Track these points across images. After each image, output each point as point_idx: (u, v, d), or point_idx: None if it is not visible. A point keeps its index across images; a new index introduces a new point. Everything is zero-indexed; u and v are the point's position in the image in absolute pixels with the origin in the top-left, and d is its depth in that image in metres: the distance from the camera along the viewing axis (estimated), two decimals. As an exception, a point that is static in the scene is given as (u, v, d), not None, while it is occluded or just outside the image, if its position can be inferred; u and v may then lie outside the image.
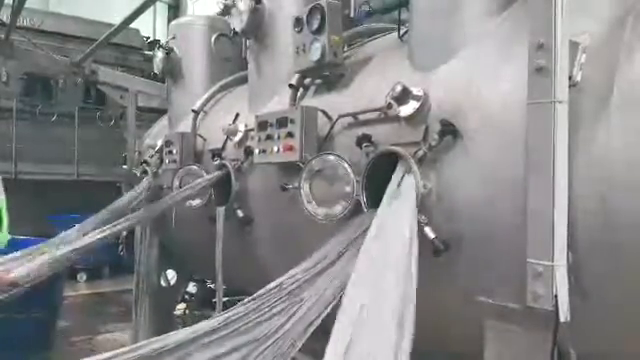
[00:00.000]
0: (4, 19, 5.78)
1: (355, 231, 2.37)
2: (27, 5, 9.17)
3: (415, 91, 2.27)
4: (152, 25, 14.07)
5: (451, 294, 2.11)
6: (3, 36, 5.73)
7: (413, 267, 1.91)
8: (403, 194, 2.14)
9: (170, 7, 15.90)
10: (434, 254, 2.06)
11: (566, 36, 1.65)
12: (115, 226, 3.78)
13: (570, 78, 1.70)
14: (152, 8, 16.03)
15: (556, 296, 1.61)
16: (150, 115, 6.88)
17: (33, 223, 7.40)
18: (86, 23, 9.42)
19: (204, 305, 5.34)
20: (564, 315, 1.61)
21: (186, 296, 5.44)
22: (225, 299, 4.84)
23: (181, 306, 5.42)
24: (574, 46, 1.73)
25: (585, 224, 1.65)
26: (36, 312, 4.32)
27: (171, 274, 5.35)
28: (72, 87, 9.42)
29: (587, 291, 1.67)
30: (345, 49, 3.28)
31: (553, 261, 1.61)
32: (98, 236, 3.70)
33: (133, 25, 10.17)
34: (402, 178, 2.21)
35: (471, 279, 2.03)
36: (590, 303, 1.67)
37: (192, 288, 5.60)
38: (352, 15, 3.73)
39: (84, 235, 3.80)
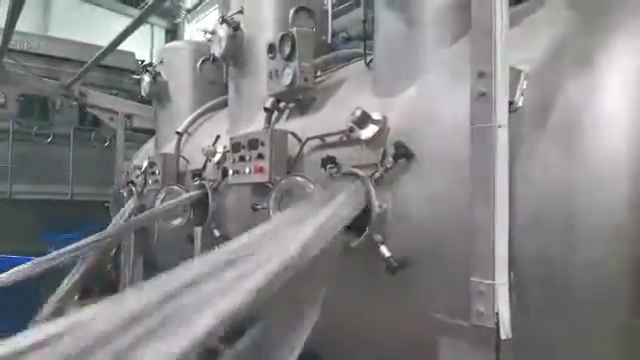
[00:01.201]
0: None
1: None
2: (25, 29, 9.37)
3: (374, 116, 2.36)
4: (149, 49, 14.32)
5: (407, 311, 2.16)
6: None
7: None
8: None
9: (167, 31, 16.19)
10: (389, 272, 2.11)
11: (505, 64, 1.73)
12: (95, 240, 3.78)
13: (512, 103, 1.78)
14: (150, 33, 16.35)
15: (497, 314, 1.65)
16: (145, 136, 6.97)
17: (28, 242, 7.44)
18: (82, 46, 9.57)
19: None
20: (505, 333, 1.65)
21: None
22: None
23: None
24: (516, 73, 1.81)
25: (525, 244, 1.70)
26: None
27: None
28: (68, 108, 9.54)
29: (529, 309, 1.71)
30: (319, 74, 3.39)
31: (494, 280, 1.66)
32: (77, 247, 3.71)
33: (128, 48, 10.40)
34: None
35: (425, 296, 2.08)
36: (532, 320, 1.71)
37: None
38: (329, 41, 3.80)
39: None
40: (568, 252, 1.60)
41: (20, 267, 3.51)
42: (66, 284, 4.58)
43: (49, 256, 3.55)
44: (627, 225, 1.51)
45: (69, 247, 3.69)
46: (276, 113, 3.32)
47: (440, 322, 1.92)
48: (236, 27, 3.62)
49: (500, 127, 1.68)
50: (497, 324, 1.65)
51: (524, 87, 1.80)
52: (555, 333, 1.69)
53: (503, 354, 1.65)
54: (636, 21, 1.67)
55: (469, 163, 1.77)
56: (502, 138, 1.68)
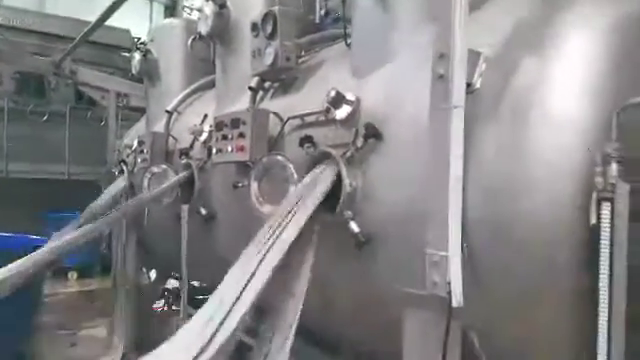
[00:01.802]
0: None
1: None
2: (21, 5, 9.31)
3: (348, 96, 2.44)
4: (148, 26, 14.22)
5: (374, 283, 2.27)
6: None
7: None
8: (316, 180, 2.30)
9: (167, 8, 16.05)
10: (357, 247, 2.22)
11: (464, 46, 1.81)
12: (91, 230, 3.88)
13: (470, 85, 1.86)
14: (149, 9, 16.23)
15: (449, 283, 1.76)
16: (141, 115, 7.03)
17: (26, 221, 7.56)
18: (77, 23, 9.58)
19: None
20: (457, 301, 1.77)
21: (165, 292, 5.59)
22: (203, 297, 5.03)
23: (160, 302, 5.58)
24: (475, 55, 1.89)
25: (478, 218, 1.80)
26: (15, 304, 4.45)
27: (151, 270, 5.53)
28: (64, 87, 9.56)
29: (482, 279, 1.82)
30: (303, 54, 3.45)
31: (448, 251, 1.77)
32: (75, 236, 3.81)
33: (127, 25, 10.35)
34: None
35: (390, 269, 2.19)
36: (485, 290, 1.83)
37: (171, 284, 5.76)
38: (317, 21, 3.85)
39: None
40: (517, 224, 1.70)
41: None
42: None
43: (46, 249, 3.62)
44: (569, 199, 1.61)
45: (66, 238, 3.76)
46: (261, 92, 3.39)
47: (403, 293, 2.04)
48: (222, 5, 3.66)
49: (456, 108, 1.77)
50: (449, 293, 1.76)
51: (483, 69, 1.88)
52: (505, 299, 1.80)
53: (454, 321, 1.77)
54: (590, 9, 1.75)
55: (428, 143, 1.86)
56: (457, 119, 1.77)
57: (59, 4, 11.31)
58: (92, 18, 5.37)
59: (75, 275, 9.81)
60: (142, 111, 8.02)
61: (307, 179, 2.43)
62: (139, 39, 11.09)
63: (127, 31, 9.98)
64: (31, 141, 9.26)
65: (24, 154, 9.17)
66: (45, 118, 9.43)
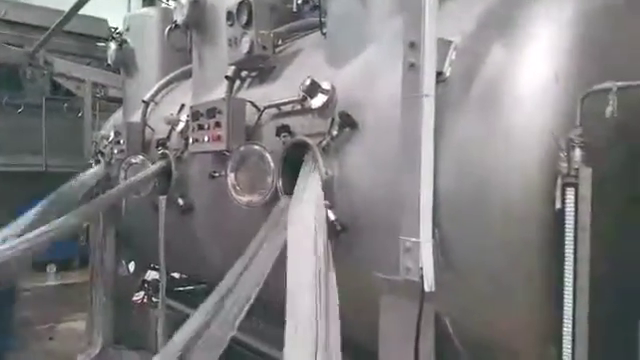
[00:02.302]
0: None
1: (274, 219, 2.55)
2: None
3: (324, 85, 2.45)
4: (125, 15, 13.97)
5: (352, 270, 2.30)
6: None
7: (320, 248, 2.11)
8: (309, 181, 2.32)
9: (145, -4, 15.77)
10: (334, 235, 2.24)
11: (434, 36, 1.82)
12: (62, 223, 3.80)
13: (440, 74, 1.88)
14: (127, -1, 15.94)
15: (422, 268, 1.80)
16: (119, 106, 6.92)
17: (3, 214, 7.42)
18: (52, 13, 9.37)
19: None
20: (429, 285, 1.80)
21: (145, 284, 5.55)
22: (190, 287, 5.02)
23: (139, 294, 5.53)
24: (446, 44, 1.92)
25: (449, 204, 1.83)
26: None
27: (130, 262, 5.48)
28: (40, 78, 9.36)
29: (453, 264, 1.86)
30: (280, 42, 3.43)
31: (420, 237, 1.80)
32: (45, 231, 3.72)
33: (102, 15, 10.16)
34: (310, 166, 2.39)
35: (366, 256, 2.22)
36: (457, 275, 1.86)
37: (151, 276, 5.71)
38: (295, 9, 3.83)
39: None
40: (487, 209, 1.74)
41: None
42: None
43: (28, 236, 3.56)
44: (537, 183, 1.65)
45: (44, 228, 3.67)
46: (238, 82, 3.37)
47: (380, 279, 2.06)
48: (198, -8, 3.62)
49: (427, 96, 1.79)
50: (422, 278, 1.80)
51: (453, 58, 1.91)
52: (476, 284, 1.84)
53: (427, 305, 1.81)
54: (555, 1, 1.78)
55: (399, 132, 1.88)
56: (428, 107, 1.80)
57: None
58: (65, 7, 5.26)
59: (54, 268, 9.69)
60: (120, 102, 7.91)
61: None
62: (116, 29, 10.92)
63: (104, 21, 9.78)
64: (7, 133, 9.07)
65: (0, 147, 8.98)
66: (20, 110, 9.22)
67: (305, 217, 2.29)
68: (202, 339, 2.35)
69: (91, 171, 4.61)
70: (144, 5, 15.67)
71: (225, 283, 2.46)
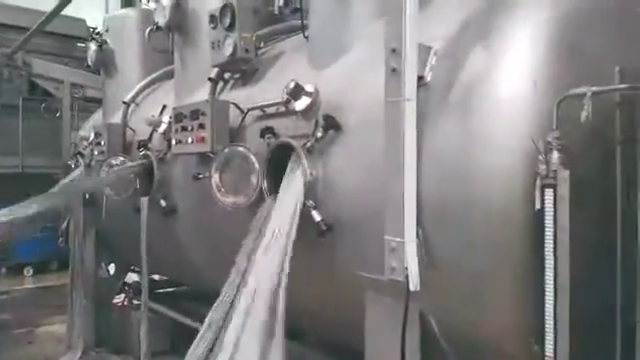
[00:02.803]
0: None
1: (259, 221, 2.57)
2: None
3: (307, 88, 2.47)
4: (104, 16, 13.79)
5: (336, 270, 2.33)
6: None
7: (289, 248, 2.12)
8: (292, 182, 2.34)
9: (123, -2, 15.58)
10: (319, 235, 2.27)
11: (414, 42, 1.86)
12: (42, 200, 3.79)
13: (421, 78, 1.93)
14: (105, -1, 15.68)
15: (406, 268, 1.83)
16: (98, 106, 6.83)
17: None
18: (28, 13, 9.20)
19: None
20: (414, 285, 1.84)
21: (125, 287, 5.50)
22: (171, 289, 4.99)
23: (120, 297, 5.48)
24: (426, 50, 1.96)
25: (432, 205, 1.88)
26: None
27: (113, 266, 5.42)
28: (17, 78, 9.19)
29: (437, 264, 1.90)
30: (262, 45, 3.45)
31: (404, 238, 1.84)
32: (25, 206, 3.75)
33: (80, 15, 10.02)
34: (294, 167, 2.41)
35: (351, 256, 2.25)
36: (440, 274, 1.90)
37: (131, 278, 5.66)
38: (276, 12, 3.84)
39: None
40: (469, 209, 1.78)
41: None
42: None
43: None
44: (517, 185, 1.70)
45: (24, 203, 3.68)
46: (221, 84, 3.37)
47: (365, 279, 2.09)
48: (180, -4, 3.61)
49: (408, 100, 1.83)
50: (407, 277, 1.83)
51: (433, 63, 1.95)
52: (459, 283, 1.88)
53: (412, 304, 1.85)
54: (534, 3, 1.83)
55: (384, 135, 1.92)
56: (410, 111, 1.84)
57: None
58: (41, 7, 5.17)
59: (31, 271, 9.51)
60: (99, 102, 7.81)
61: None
62: (95, 29, 10.77)
63: (83, 21, 9.66)
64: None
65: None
66: (-3, 110, 9.04)
67: (282, 217, 2.33)
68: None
69: (73, 176, 4.55)
70: (123, 6, 15.52)
71: (227, 294, 2.46)
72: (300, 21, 3.66)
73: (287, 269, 2.26)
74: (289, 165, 2.44)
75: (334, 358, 3.00)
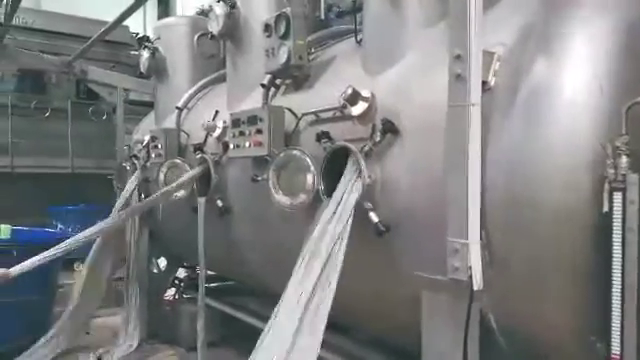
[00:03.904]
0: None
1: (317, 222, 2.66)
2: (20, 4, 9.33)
3: (364, 93, 2.55)
4: (142, 21, 14.21)
5: (393, 270, 2.41)
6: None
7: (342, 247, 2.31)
8: (349, 184, 2.43)
9: (160, 2, 16.01)
10: (377, 235, 2.36)
11: (479, 48, 1.93)
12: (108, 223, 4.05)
13: (485, 83, 1.98)
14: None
15: (470, 268, 1.90)
16: (143, 109, 7.12)
17: (32, 214, 7.67)
18: (77, 21, 9.63)
19: (193, 289, 5.63)
20: (477, 284, 1.90)
21: (176, 281, 5.72)
22: (213, 285, 5.18)
23: (171, 291, 5.71)
24: (489, 55, 2.02)
25: (495, 207, 1.93)
26: (30, 296, 4.62)
27: (162, 261, 5.66)
28: (65, 82, 9.63)
29: (499, 263, 1.96)
30: (313, 50, 3.55)
31: (467, 239, 1.90)
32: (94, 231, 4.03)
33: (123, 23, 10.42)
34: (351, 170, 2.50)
35: (408, 257, 2.33)
36: (502, 273, 1.96)
37: (182, 273, 5.89)
38: (322, 17, 3.95)
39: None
40: (532, 212, 1.83)
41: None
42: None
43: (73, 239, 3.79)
44: (584, 188, 1.74)
45: (84, 233, 3.96)
46: (273, 89, 3.50)
47: (422, 278, 2.17)
48: (233, 5, 3.75)
49: (473, 105, 1.89)
50: (470, 277, 1.90)
51: (497, 68, 2.01)
52: (521, 282, 1.93)
53: (475, 303, 1.91)
54: (591, 12, 1.87)
55: (445, 138, 1.98)
56: (475, 116, 1.90)
57: (54, 2, 11.33)
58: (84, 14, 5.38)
59: (81, 266, 9.92)
60: (141, 105, 8.11)
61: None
62: (137, 34, 11.15)
63: (126, 27, 10.03)
64: (35, 137, 9.35)
65: (28, 149, 9.26)
66: (47, 114, 9.50)
67: (334, 219, 2.41)
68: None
69: (132, 181, 4.81)
70: (159, 12, 15.95)
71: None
72: (348, 26, 3.80)
73: (339, 269, 2.33)
74: (347, 167, 2.53)
75: (383, 356, 3.08)
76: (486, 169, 1.93)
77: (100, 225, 4.02)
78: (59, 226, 8.35)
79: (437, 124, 2.14)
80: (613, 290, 1.62)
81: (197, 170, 3.81)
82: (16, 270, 3.61)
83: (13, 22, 6.14)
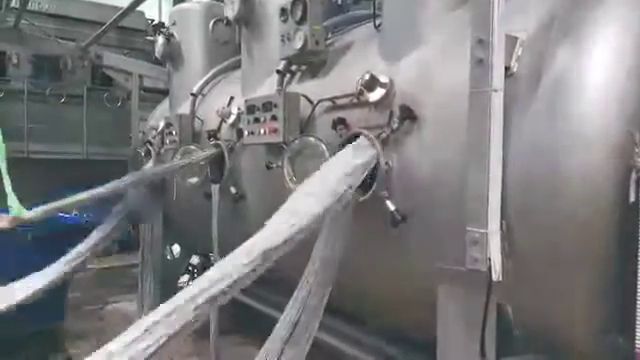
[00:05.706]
0: (14, 4, 6.02)
1: None
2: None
3: (382, 79, 2.51)
4: (158, 7, 14.20)
5: (409, 260, 2.38)
6: (13, 22, 5.96)
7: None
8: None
9: (175, -12, 15.99)
10: (393, 224, 2.32)
11: (502, 32, 1.87)
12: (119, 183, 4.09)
13: (508, 69, 1.93)
14: (156, -10, 16.13)
15: (489, 259, 1.86)
16: (157, 96, 7.13)
17: (46, 199, 7.74)
18: (93, 6, 9.64)
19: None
20: (496, 275, 1.87)
21: (189, 268, 5.74)
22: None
23: (184, 277, 5.74)
24: (512, 40, 1.96)
25: (516, 196, 1.89)
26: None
27: (175, 248, 5.69)
28: (80, 69, 9.67)
29: (518, 254, 1.92)
30: (329, 36, 3.50)
31: (487, 229, 1.86)
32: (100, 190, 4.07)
33: (138, 8, 10.41)
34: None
35: (424, 246, 2.29)
36: (521, 264, 1.92)
37: (195, 260, 5.91)
38: (339, 2, 3.89)
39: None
40: (554, 201, 1.79)
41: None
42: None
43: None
44: (609, 177, 1.69)
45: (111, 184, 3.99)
46: (288, 75, 3.46)
47: (438, 269, 2.13)
48: (248, -10, 3.71)
49: (496, 91, 1.84)
50: (489, 268, 1.86)
51: (519, 54, 1.95)
52: (540, 274, 1.89)
53: (493, 294, 1.88)
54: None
55: (467, 124, 1.94)
56: (497, 101, 1.85)
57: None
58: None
59: (92, 253, 10.01)
60: (155, 92, 8.11)
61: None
62: (152, 21, 11.14)
63: (142, 13, 10.02)
64: (50, 122, 9.42)
65: (43, 135, 9.34)
66: (63, 100, 9.56)
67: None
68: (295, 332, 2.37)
69: (147, 165, 4.82)
70: (175, -1, 15.95)
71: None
72: (366, 11, 3.73)
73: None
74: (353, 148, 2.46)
75: (399, 347, 3.05)
76: (507, 157, 1.89)
77: (115, 183, 4.06)
78: (73, 212, 8.43)
79: (457, 111, 2.09)
80: (639, 282, 1.57)
81: (211, 152, 3.79)
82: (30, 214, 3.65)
83: (28, 7, 6.15)
